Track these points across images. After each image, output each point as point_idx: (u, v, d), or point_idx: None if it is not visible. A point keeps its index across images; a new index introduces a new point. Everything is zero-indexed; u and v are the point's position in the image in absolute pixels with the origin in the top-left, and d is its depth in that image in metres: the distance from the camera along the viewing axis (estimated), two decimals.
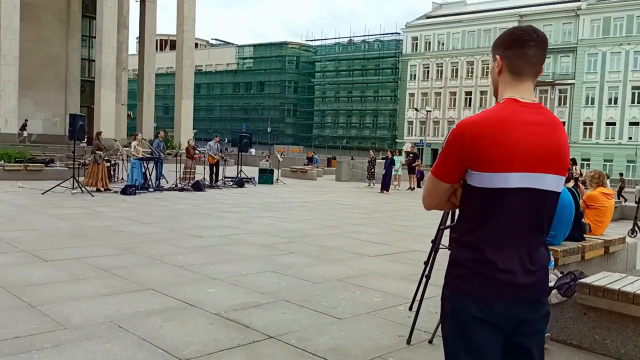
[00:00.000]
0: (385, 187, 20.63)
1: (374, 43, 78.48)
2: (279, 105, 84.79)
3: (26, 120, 36.38)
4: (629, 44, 61.43)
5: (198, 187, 16.82)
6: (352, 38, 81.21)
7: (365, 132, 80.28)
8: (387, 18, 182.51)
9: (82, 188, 14.18)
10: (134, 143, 16.14)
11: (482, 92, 68.97)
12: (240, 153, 20.23)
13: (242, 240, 8.32)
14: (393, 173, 21.35)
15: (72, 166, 14.87)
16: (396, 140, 74.42)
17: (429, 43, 72.61)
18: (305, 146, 75.92)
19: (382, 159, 22.34)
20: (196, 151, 18.66)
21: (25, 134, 34.99)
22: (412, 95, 73.77)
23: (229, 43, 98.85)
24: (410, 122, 73.94)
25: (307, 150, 36.93)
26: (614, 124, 62.42)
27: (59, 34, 38.57)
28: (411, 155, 22.62)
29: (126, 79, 44.74)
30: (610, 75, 62.66)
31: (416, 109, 64.31)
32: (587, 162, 57.96)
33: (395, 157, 21.50)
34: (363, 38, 79.87)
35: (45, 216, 9.96)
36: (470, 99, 69.99)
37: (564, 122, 64.77)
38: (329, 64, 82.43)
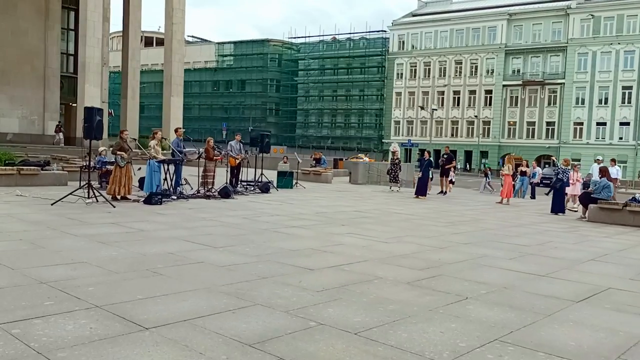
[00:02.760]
0: (421, 192, 18.51)
1: (359, 41, 76.39)
2: (261, 104, 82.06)
3: (59, 121, 33.66)
4: (619, 43, 60.71)
5: (226, 193, 14.47)
6: (335, 36, 78.99)
7: (351, 132, 78.12)
8: (356, 18, 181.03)
9: (97, 197, 11.76)
10: (152, 142, 13.65)
11: (470, 92, 67.50)
12: (262, 154, 17.90)
13: (373, 276, 6.09)
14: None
15: (86, 170, 12.34)
16: (383, 141, 72.67)
17: (416, 41, 70.95)
18: (289, 146, 73.48)
19: (418, 160, 20.25)
20: (216, 152, 16.26)
21: (58, 137, 32.49)
22: (398, 94, 71.99)
23: (206, 40, 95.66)
24: (397, 122, 72.18)
25: (315, 151, 34.68)
26: (604, 124, 61.67)
27: (36, 25, 35.47)
28: (445, 155, 20.52)
29: (107, 75, 41.83)
30: (600, 74, 61.87)
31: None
32: (578, 163, 57.00)
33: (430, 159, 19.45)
34: (348, 36, 77.71)
35: (78, 238, 7.54)
36: (458, 98, 68.47)
37: (553, 122, 64.03)
38: (313, 62, 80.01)
